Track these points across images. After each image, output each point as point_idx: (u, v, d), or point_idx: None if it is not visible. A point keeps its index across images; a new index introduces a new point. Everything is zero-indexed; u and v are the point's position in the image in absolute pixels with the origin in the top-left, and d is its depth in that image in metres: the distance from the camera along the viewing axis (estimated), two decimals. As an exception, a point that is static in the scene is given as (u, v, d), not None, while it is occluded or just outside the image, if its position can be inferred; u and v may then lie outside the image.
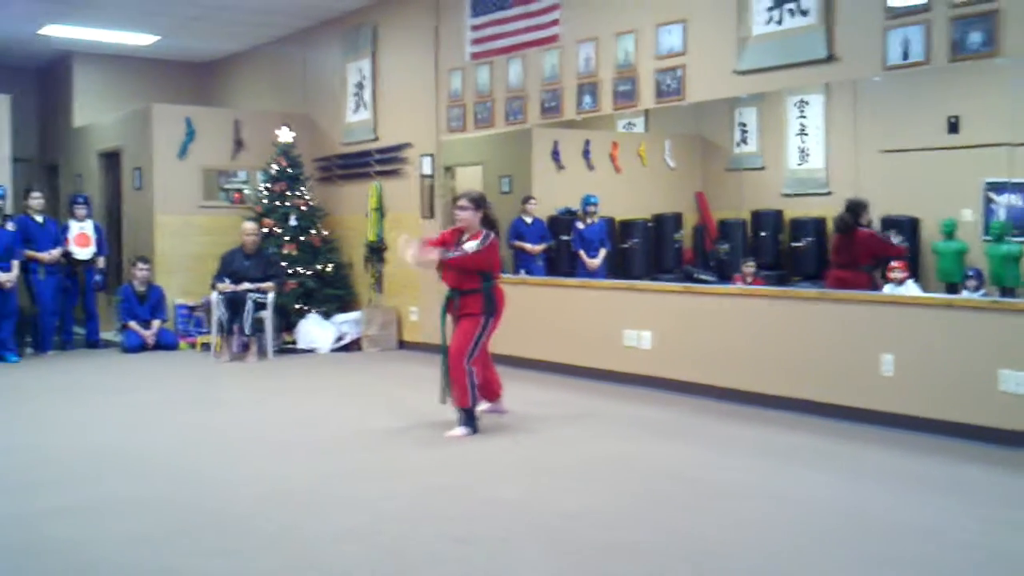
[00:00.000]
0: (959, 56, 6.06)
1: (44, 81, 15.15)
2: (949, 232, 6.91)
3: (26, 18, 11.65)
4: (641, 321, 7.98)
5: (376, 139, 11.13)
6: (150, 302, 10.73)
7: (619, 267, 9.14)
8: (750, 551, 3.98)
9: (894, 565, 3.84)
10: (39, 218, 10.32)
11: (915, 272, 6.92)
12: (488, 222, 6.53)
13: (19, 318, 9.99)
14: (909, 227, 7.09)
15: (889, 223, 7.15)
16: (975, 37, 5.95)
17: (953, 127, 6.75)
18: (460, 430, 6.22)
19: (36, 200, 10.37)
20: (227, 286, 9.83)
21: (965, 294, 6.51)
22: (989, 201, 6.66)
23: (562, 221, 9.50)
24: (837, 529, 4.27)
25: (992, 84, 6.28)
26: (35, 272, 10.19)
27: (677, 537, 4.18)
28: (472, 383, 6.28)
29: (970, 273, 6.67)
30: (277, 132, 11.14)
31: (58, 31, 12.33)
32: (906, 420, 6.22)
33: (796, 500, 4.72)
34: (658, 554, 3.95)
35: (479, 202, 6.51)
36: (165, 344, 10.67)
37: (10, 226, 9.82)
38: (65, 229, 10.66)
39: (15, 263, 9.80)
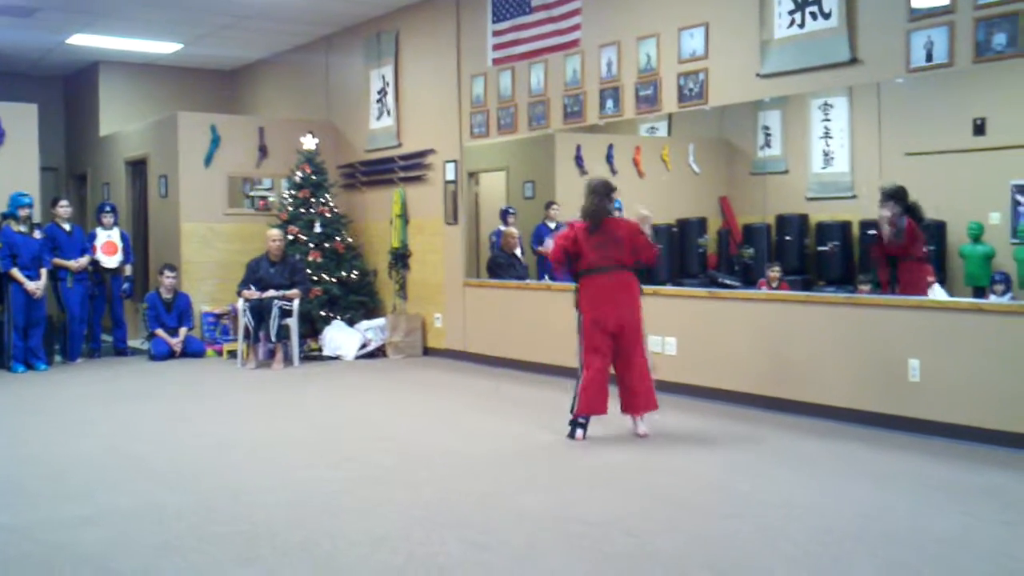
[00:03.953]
0: (984, 57, 5.99)
1: (71, 90, 15.29)
2: (976, 235, 6.85)
3: (54, 28, 11.78)
4: (665, 327, 7.94)
5: (399, 145, 11.15)
6: (177, 310, 10.80)
7: (643, 272, 9.09)
8: (772, 558, 3.96)
9: (918, 572, 3.80)
10: (67, 226, 10.40)
11: (941, 276, 6.86)
12: (586, 209, 6.35)
13: (47, 326, 10.08)
14: (935, 231, 7.03)
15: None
16: (1000, 38, 5.88)
17: (979, 129, 6.69)
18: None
19: (64, 209, 10.46)
20: (253, 293, 9.88)
21: (992, 298, 6.44)
22: (1017, 204, 6.60)
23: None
24: (860, 536, 4.23)
25: (1018, 85, 6.24)
26: (63, 280, 10.28)
27: (699, 544, 4.16)
28: (576, 388, 6.29)
29: (997, 277, 6.61)
30: (301, 139, 11.20)
31: (85, 40, 12.45)
32: (933, 426, 6.16)
33: (820, 507, 4.69)
34: (680, 561, 3.93)
35: (596, 188, 6.33)
36: (192, 352, 10.74)
37: (38, 235, 9.91)
38: (92, 237, 10.76)
39: (43, 271, 9.88)
